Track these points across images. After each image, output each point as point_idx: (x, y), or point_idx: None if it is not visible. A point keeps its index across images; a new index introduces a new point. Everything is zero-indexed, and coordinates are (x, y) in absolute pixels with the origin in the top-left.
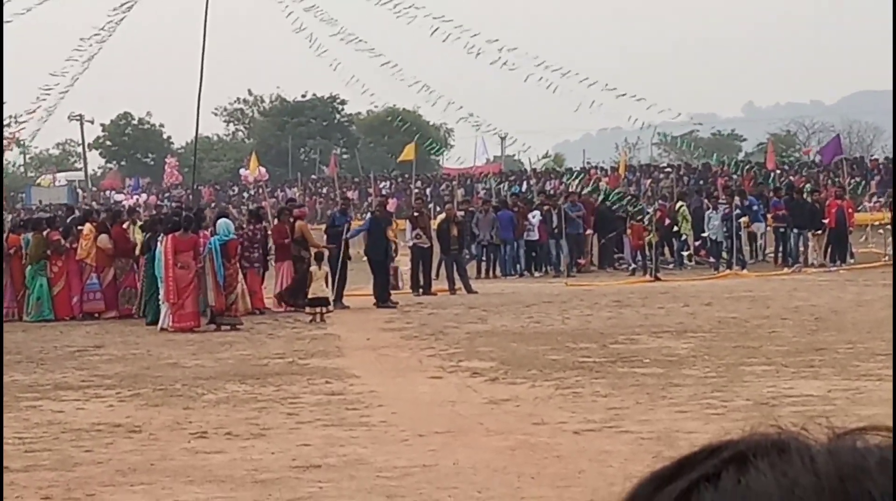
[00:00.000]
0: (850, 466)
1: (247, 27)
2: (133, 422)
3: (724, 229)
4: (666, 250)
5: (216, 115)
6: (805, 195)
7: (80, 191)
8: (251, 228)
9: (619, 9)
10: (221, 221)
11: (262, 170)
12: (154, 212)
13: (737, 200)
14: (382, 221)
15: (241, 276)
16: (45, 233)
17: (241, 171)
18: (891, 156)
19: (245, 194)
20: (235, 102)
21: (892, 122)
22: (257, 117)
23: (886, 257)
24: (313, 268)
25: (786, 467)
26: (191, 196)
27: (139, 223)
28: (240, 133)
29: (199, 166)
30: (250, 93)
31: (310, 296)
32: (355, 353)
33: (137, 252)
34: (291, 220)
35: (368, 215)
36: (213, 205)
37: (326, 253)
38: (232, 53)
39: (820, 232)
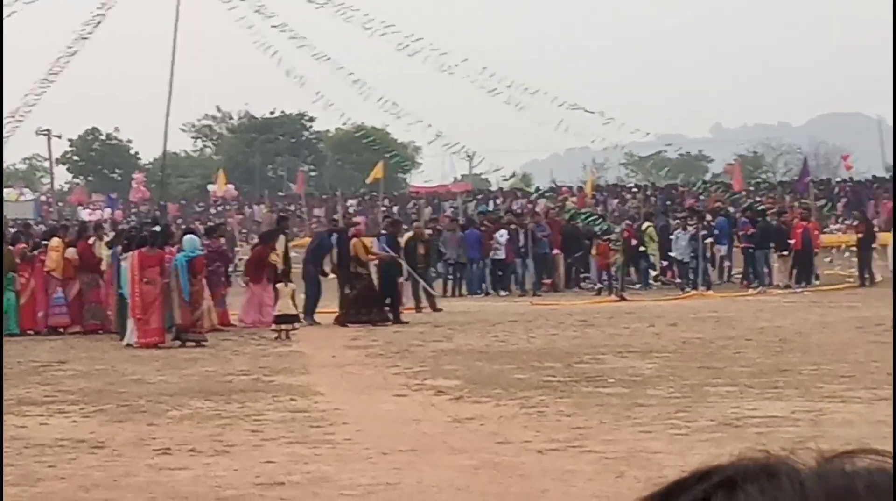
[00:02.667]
0: (839, 489)
1: (216, 44)
2: (97, 438)
3: (691, 250)
4: (632, 270)
5: (184, 131)
6: (770, 217)
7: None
8: (205, 244)
9: (589, 31)
10: (188, 237)
11: (230, 187)
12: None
13: (707, 219)
14: (396, 238)
15: (207, 292)
16: (12, 247)
17: (210, 187)
18: (857, 178)
19: (212, 211)
20: (204, 118)
21: (892, 121)
22: (225, 134)
23: (851, 279)
24: (280, 285)
25: (775, 492)
26: (158, 212)
27: (105, 239)
28: (208, 149)
29: (166, 182)
30: (219, 109)
31: (276, 313)
32: (320, 370)
33: (104, 267)
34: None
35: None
36: (179, 221)
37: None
38: (201, 70)
39: (786, 253)
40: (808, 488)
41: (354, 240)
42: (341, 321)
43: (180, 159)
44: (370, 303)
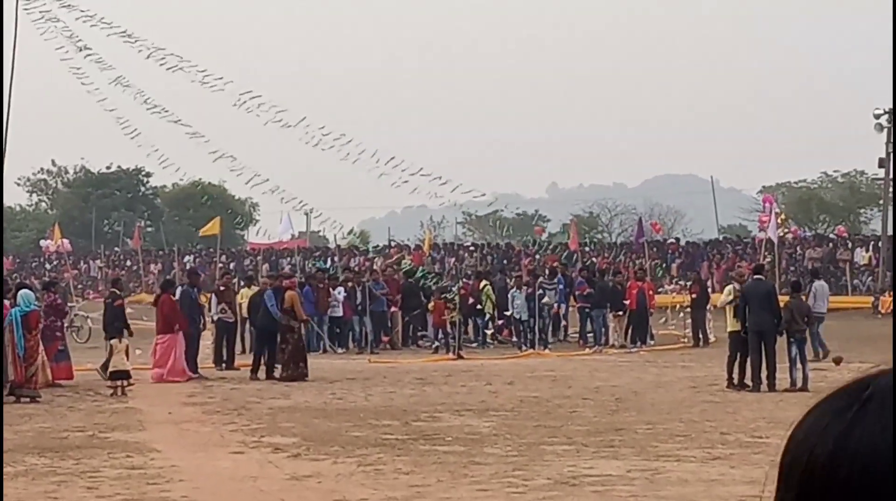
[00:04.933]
0: None
1: (51, 97)
2: None
3: (528, 309)
4: (469, 328)
5: (19, 185)
6: (606, 277)
7: None
8: (40, 299)
9: (421, 87)
10: (22, 292)
11: (65, 241)
12: None
13: (542, 279)
14: (277, 292)
15: (41, 347)
16: None
17: (43, 242)
18: (691, 240)
19: (47, 266)
20: (39, 172)
21: (892, 129)
22: (61, 188)
23: (685, 340)
24: (114, 341)
25: None
26: None
27: None
28: (43, 204)
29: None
30: (54, 163)
31: (111, 369)
32: (157, 427)
33: None
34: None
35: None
36: (14, 276)
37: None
38: (36, 123)
39: (621, 313)
40: None
41: (290, 293)
42: (283, 377)
43: (15, 214)
44: (298, 359)
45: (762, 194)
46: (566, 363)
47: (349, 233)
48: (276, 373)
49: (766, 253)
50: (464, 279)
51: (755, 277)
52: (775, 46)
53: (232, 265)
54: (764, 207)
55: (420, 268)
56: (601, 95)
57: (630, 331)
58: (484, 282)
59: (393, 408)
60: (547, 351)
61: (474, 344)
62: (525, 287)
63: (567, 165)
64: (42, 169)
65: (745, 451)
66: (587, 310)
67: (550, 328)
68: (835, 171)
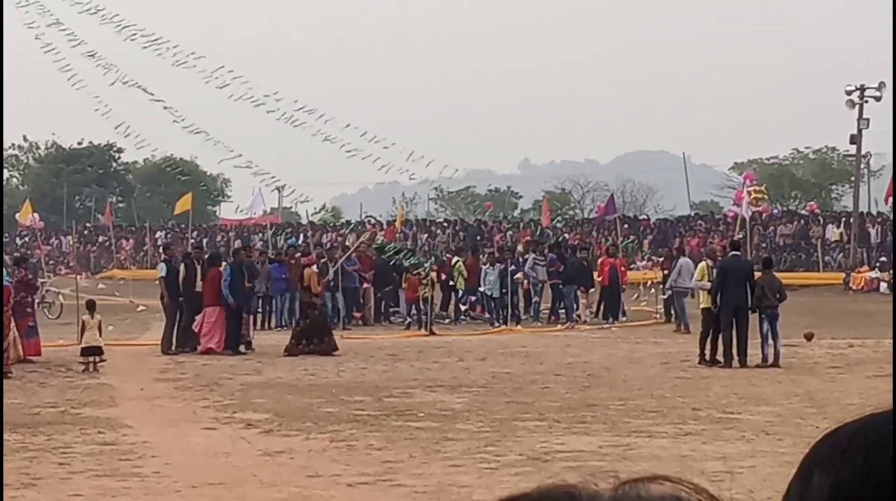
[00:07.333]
0: None
1: (22, 72)
2: None
3: (500, 285)
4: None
5: None
6: (577, 253)
7: None
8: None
9: (393, 62)
10: None
11: (36, 217)
12: None
13: (530, 257)
14: (242, 266)
15: (13, 323)
16: None
17: (15, 217)
18: (662, 216)
19: (18, 241)
20: (10, 148)
21: (892, 123)
22: (32, 164)
23: (657, 316)
24: (86, 317)
25: None
26: None
27: None
28: (14, 180)
29: None
30: (25, 139)
31: (83, 345)
32: (129, 403)
33: None
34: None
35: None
36: None
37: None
38: (6, 98)
39: (592, 289)
40: None
41: (308, 270)
42: (291, 351)
43: None
44: (322, 333)
45: (734, 171)
46: (538, 339)
47: (321, 209)
48: (242, 347)
49: (739, 229)
50: (447, 255)
51: (733, 253)
52: (747, 22)
53: (204, 241)
54: (743, 183)
55: (393, 244)
56: (573, 71)
57: (602, 307)
58: (455, 258)
59: (365, 384)
60: (519, 327)
61: (447, 320)
62: (497, 264)
63: (539, 141)
64: (13, 144)
65: (716, 427)
66: (559, 286)
67: (533, 305)
68: (806, 147)
